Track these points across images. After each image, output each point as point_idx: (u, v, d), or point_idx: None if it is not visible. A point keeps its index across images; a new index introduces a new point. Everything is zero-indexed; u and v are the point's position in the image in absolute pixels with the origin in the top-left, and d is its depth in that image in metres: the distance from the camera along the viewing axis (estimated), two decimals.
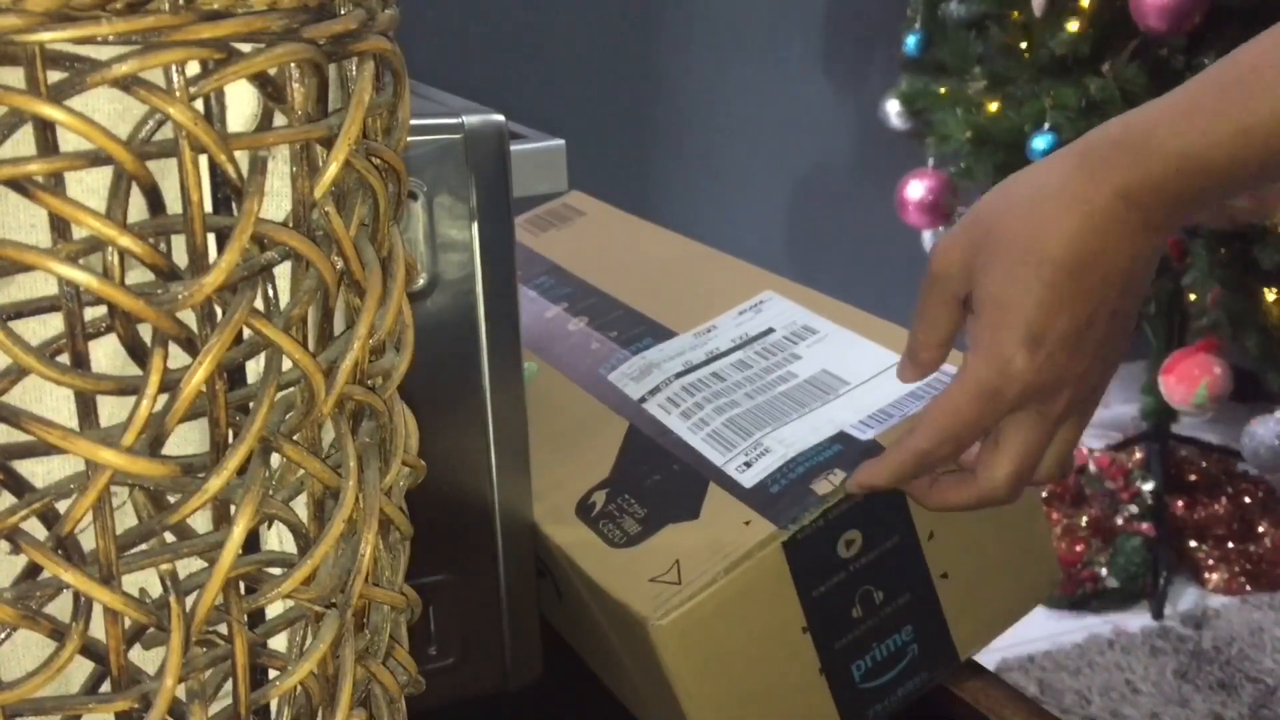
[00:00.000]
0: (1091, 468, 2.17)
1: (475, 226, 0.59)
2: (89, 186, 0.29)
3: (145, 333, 0.26)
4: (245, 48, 0.26)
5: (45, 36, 0.23)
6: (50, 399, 0.30)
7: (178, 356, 0.26)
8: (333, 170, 0.28)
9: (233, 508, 0.28)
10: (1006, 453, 0.56)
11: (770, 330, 0.70)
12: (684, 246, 0.83)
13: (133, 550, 0.27)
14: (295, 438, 0.30)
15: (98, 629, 0.27)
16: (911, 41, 2.28)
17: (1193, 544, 2.13)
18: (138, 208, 0.27)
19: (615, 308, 0.77)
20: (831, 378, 0.65)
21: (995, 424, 0.55)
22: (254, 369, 0.32)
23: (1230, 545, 2.13)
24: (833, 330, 0.69)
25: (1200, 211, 0.56)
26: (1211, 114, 0.51)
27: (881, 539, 0.60)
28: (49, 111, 0.23)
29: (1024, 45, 2.13)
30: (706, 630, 0.56)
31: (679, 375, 0.68)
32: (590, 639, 0.66)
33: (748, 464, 0.61)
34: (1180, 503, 2.16)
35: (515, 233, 0.87)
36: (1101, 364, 0.55)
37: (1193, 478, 2.22)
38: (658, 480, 0.63)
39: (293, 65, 0.28)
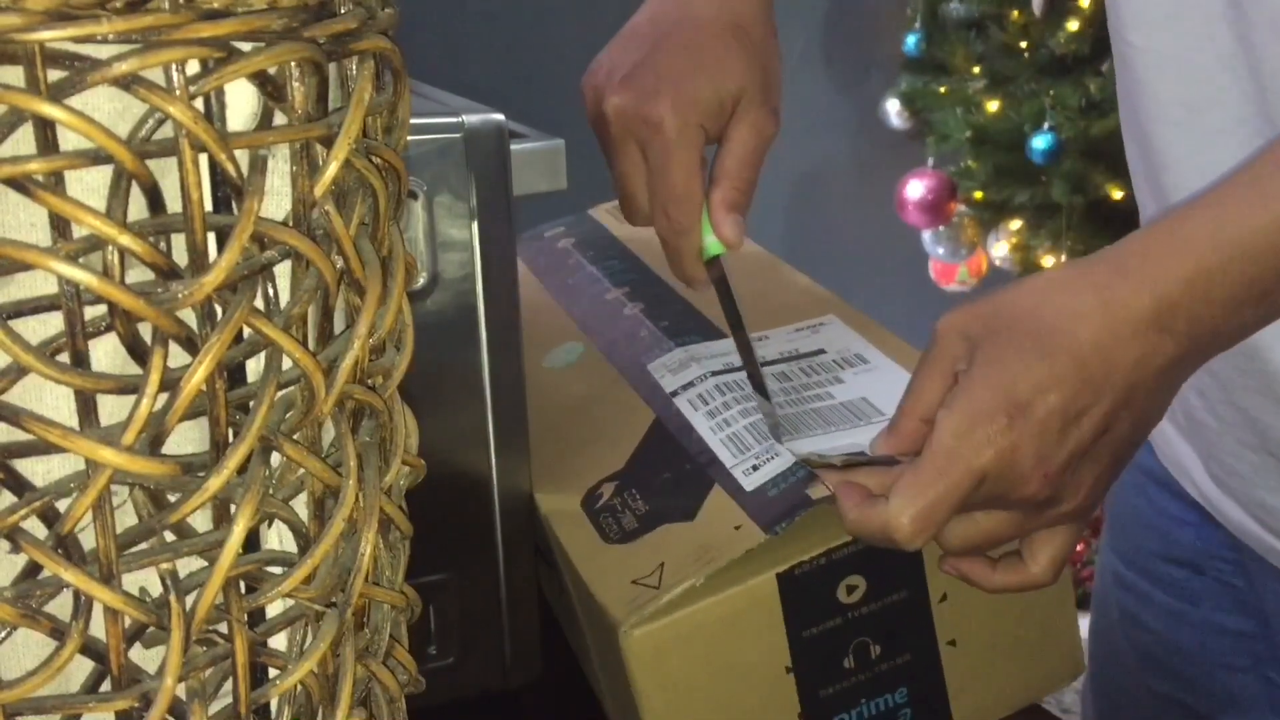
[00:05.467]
0: None
1: (475, 226, 0.59)
2: (89, 185, 0.29)
3: (145, 331, 0.26)
4: (245, 46, 0.26)
5: (45, 35, 0.23)
6: (50, 398, 0.30)
7: (178, 355, 0.26)
8: (333, 169, 0.28)
9: (233, 507, 0.28)
10: (966, 528, 0.51)
11: (821, 351, 0.68)
12: (765, 259, 0.81)
13: (133, 549, 0.27)
14: (295, 437, 0.30)
15: (98, 628, 0.27)
16: (911, 41, 2.28)
17: None
18: (138, 206, 0.27)
19: (674, 300, 0.76)
20: (869, 406, 0.63)
21: (965, 504, 0.49)
22: (254, 368, 0.32)
23: None
24: (884, 363, 0.67)
25: (1232, 331, 0.51)
26: (1242, 199, 0.48)
27: (887, 591, 0.57)
28: (49, 110, 0.23)
29: (1024, 45, 2.13)
30: (681, 649, 0.54)
31: (715, 374, 0.67)
32: (579, 637, 0.65)
33: (755, 467, 0.59)
34: None
35: (600, 218, 0.87)
36: (1092, 484, 0.51)
37: None
38: (667, 478, 0.62)
39: (293, 64, 0.28)
